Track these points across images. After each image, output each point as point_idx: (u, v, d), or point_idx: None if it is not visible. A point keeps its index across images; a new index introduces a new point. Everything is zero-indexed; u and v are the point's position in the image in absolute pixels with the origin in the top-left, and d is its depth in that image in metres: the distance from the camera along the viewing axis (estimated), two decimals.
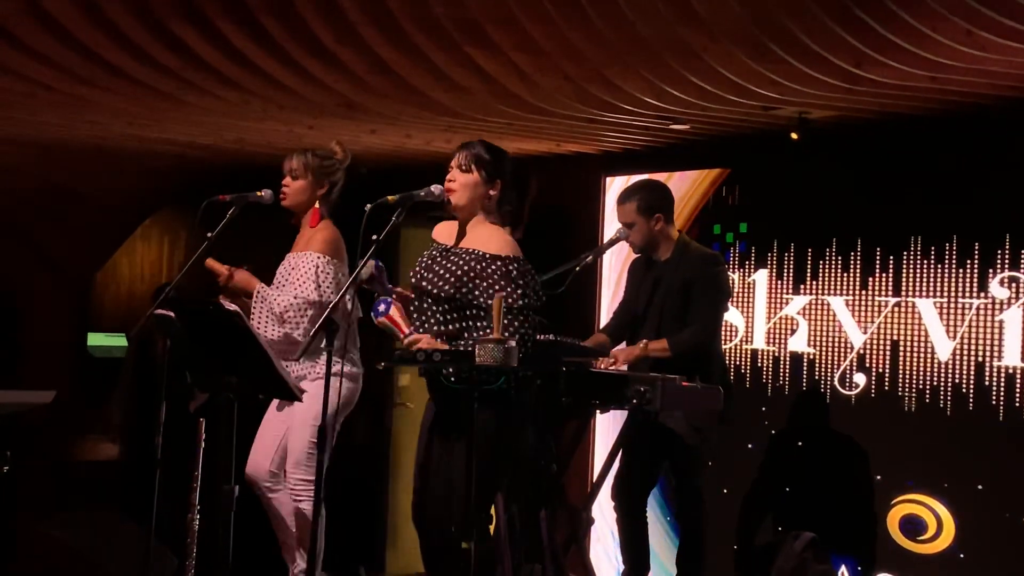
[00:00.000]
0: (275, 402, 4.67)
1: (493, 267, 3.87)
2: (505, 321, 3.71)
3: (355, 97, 5.30)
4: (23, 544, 4.90)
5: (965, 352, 5.17)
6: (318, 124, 5.96)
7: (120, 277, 9.39)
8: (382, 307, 3.89)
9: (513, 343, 3.52)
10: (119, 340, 8.95)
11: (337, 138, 5.07)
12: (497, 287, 3.82)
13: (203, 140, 6.76)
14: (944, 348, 5.23)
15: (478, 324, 3.85)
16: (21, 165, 7.62)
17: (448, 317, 3.89)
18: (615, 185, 6.63)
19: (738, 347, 6.02)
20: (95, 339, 9.13)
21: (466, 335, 3.85)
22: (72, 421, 7.82)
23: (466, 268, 3.89)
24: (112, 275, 9.33)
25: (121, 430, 7.95)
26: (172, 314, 4.03)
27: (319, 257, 4.52)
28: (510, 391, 3.77)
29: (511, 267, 3.87)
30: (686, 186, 6.19)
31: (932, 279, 5.28)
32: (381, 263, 4.08)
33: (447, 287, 3.89)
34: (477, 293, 3.86)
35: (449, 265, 3.93)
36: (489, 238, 3.94)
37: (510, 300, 3.79)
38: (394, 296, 4.01)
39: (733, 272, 5.98)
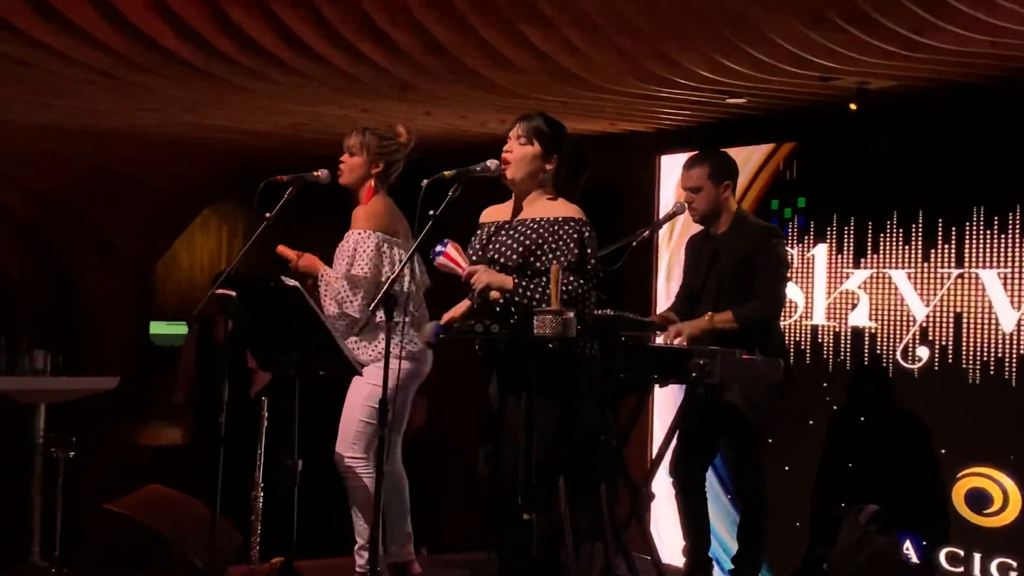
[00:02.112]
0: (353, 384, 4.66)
1: (565, 228, 3.84)
2: (569, 284, 3.70)
3: (409, 78, 5.31)
4: (91, 524, 4.97)
5: None
6: (372, 107, 5.98)
7: (180, 266, 9.50)
8: (438, 247, 3.84)
9: (571, 314, 3.51)
10: (180, 328, 9.07)
11: (383, 120, 5.06)
12: (566, 248, 3.79)
13: (259, 126, 6.81)
14: (1008, 319, 5.16)
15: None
16: (80, 155, 7.72)
17: (537, 283, 3.83)
18: (669, 163, 6.60)
19: (798, 323, 5.97)
20: (157, 327, 9.26)
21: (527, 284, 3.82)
22: (136, 406, 7.93)
23: (534, 236, 3.86)
24: (172, 264, 9.44)
25: (184, 413, 8.04)
26: (233, 294, 4.07)
27: (359, 233, 4.52)
28: (573, 362, 3.76)
29: (584, 230, 3.85)
30: (740, 160, 6.13)
31: (995, 249, 5.20)
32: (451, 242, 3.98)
33: (515, 256, 3.85)
34: (551, 256, 3.82)
35: (516, 235, 3.90)
36: (554, 206, 3.93)
37: (581, 262, 3.78)
38: (449, 241, 3.93)
39: (792, 247, 5.93)
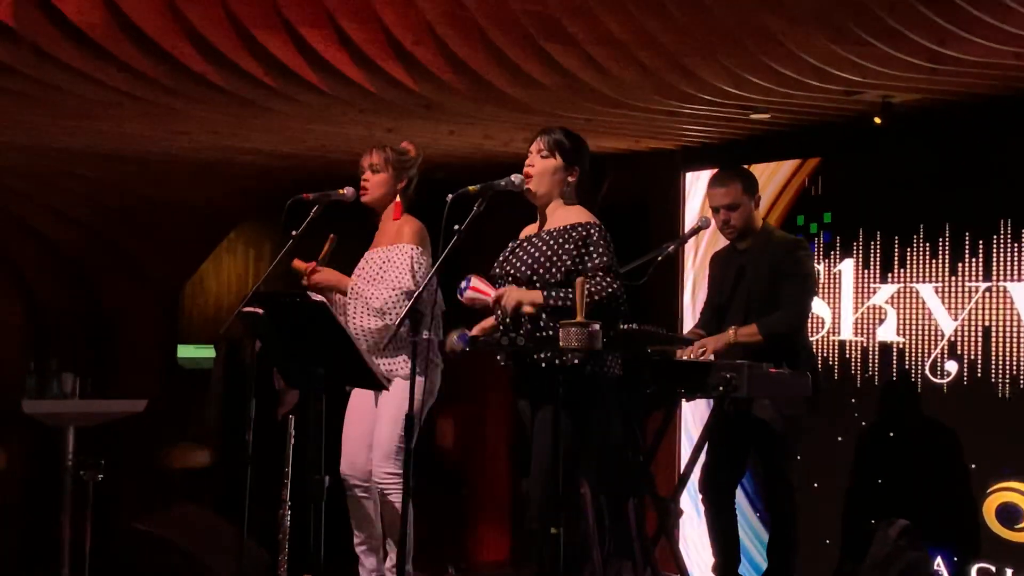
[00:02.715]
0: (358, 398, 4.69)
1: (572, 235, 3.88)
2: (598, 285, 3.71)
3: (434, 97, 5.34)
4: (121, 541, 4.99)
5: None
6: (397, 126, 6.01)
7: (207, 290, 9.54)
8: (463, 283, 3.88)
9: (597, 326, 3.51)
10: (208, 351, 9.11)
11: (406, 139, 5.10)
12: (573, 255, 3.82)
13: (285, 148, 6.86)
14: None
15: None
16: (109, 178, 7.78)
17: (565, 292, 3.85)
18: (694, 180, 6.60)
19: (825, 339, 5.95)
20: (184, 351, 9.29)
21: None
22: (164, 429, 7.96)
23: (542, 247, 3.89)
24: (199, 288, 9.48)
25: (213, 435, 8.07)
26: (260, 311, 4.09)
27: (412, 248, 4.56)
28: (597, 377, 3.77)
29: (591, 230, 3.88)
30: (765, 177, 6.14)
31: (1023, 262, 5.17)
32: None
33: (524, 267, 3.90)
34: (560, 265, 3.85)
35: (530, 248, 3.93)
36: (570, 214, 3.97)
37: (585, 263, 3.79)
38: (471, 276, 3.98)
39: (818, 263, 5.91)
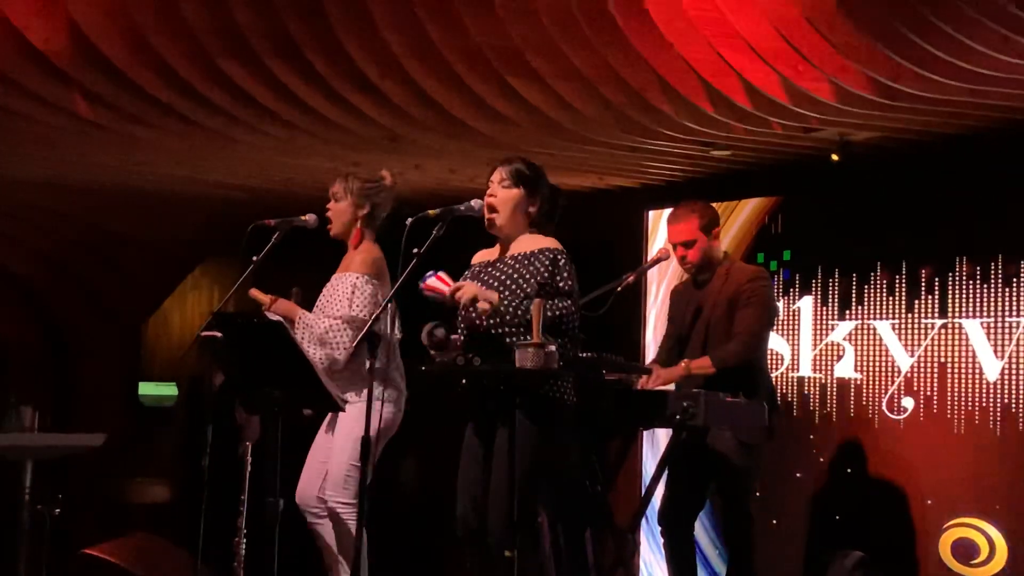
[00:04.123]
0: (323, 427, 4.68)
1: (541, 257, 3.89)
2: (554, 308, 3.72)
3: (399, 130, 5.38)
4: (72, 569, 4.94)
5: (1014, 372, 5.13)
6: (363, 160, 6.05)
7: (171, 327, 9.51)
8: (428, 273, 3.87)
9: (552, 348, 3.53)
10: (170, 389, 9.06)
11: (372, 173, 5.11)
12: (542, 273, 3.84)
13: (251, 181, 6.87)
14: (992, 368, 5.19)
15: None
16: (73, 211, 7.77)
17: (521, 301, 3.86)
18: (657, 218, 6.66)
19: (785, 375, 5.99)
20: (146, 388, 9.24)
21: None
22: (124, 464, 7.90)
23: (510, 272, 3.91)
24: (163, 325, 9.45)
25: (173, 471, 8.01)
26: (219, 335, 4.08)
27: (357, 277, 4.56)
28: (553, 401, 3.78)
29: (558, 256, 3.89)
30: (726, 215, 6.20)
31: (978, 299, 5.26)
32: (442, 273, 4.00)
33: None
34: (524, 286, 3.86)
35: (496, 272, 3.95)
36: (536, 241, 3.99)
37: (554, 283, 3.81)
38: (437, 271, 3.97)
39: (778, 300, 5.95)
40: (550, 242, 3.98)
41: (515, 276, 3.90)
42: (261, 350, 3.81)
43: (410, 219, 3.80)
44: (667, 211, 6.28)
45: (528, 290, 3.83)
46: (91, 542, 6.54)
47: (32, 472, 6.59)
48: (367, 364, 3.83)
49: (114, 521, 7.45)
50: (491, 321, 3.83)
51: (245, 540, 4.59)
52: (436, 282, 3.84)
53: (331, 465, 4.49)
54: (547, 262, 3.88)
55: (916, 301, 5.48)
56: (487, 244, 4.19)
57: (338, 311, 4.50)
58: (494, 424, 3.83)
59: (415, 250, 3.73)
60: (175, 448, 8.00)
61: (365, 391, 3.99)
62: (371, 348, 3.70)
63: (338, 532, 4.48)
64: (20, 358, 8.43)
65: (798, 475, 5.83)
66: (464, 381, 3.87)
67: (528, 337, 3.64)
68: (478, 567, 3.90)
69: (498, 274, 3.95)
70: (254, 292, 4.59)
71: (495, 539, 3.71)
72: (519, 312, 3.75)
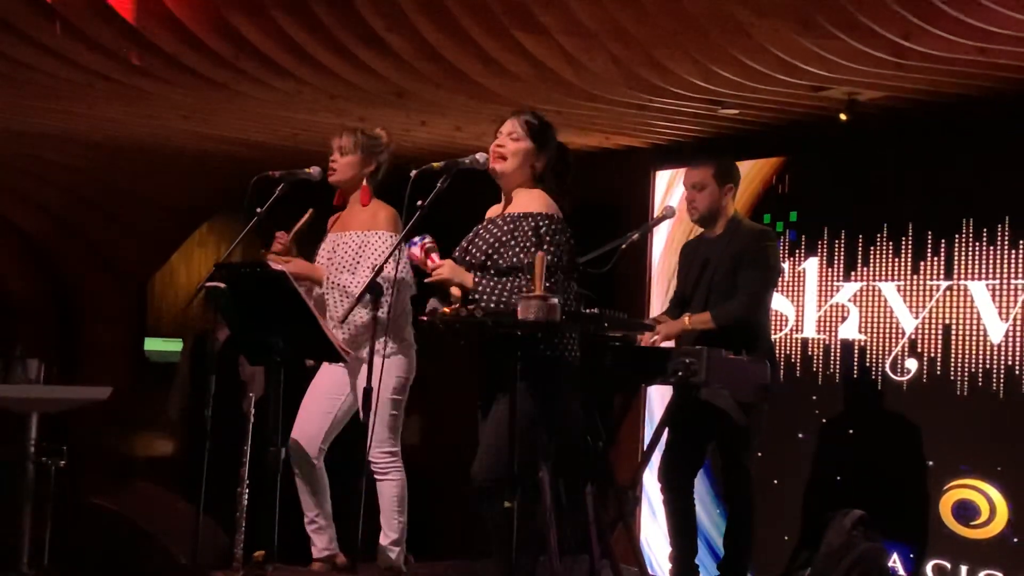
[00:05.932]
0: (325, 376, 4.64)
1: (523, 225, 3.83)
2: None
3: (405, 85, 5.36)
4: (81, 518, 4.97)
5: (1018, 334, 5.11)
6: (369, 115, 6.02)
7: (177, 283, 9.52)
8: (418, 237, 3.86)
9: (556, 300, 3.52)
10: (175, 345, 9.09)
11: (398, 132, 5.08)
12: (523, 246, 3.79)
13: (257, 136, 6.85)
14: (996, 331, 5.18)
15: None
16: (80, 165, 7.76)
17: (496, 284, 3.84)
18: (664, 178, 6.64)
19: (788, 336, 5.99)
20: (152, 344, 9.28)
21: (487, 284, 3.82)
22: (129, 418, 7.93)
23: (497, 233, 3.88)
24: (169, 281, 9.47)
25: (177, 426, 8.05)
26: (223, 285, 4.08)
27: (391, 236, 4.49)
28: (555, 357, 3.77)
29: (540, 223, 3.82)
30: None
31: (984, 261, 5.24)
32: (429, 237, 4.00)
33: (480, 254, 3.87)
34: (509, 255, 3.81)
35: (485, 234, 3.92)
36: (530, 200, 3.93)
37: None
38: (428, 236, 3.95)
39: (783, 262, 5.95)
40: (540, 204, 3.89)
41: (503, 239, 3.84)
42: (264, 299, 3.81)
43: (414, 171, 3.79)
44: (674, 172, 6.31)
45: (513, 259, 3.79)
46: (95, 494, 6.59)
47: (37, 425, 6.63)
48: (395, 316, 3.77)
49: (120, 475, 7.50)
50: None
51: (248, 490, 4.61)
52: (418, 252, 3.84)
53: (376, 423, 4.39)
54: (529, 232, 3.81)
55: (921, 263, 5.46)
56: (491, 198, 4.17)
57: (385, 273, 4.39)
58: (496, 378, 3.83)
59: (419, 202, 3.72)
60: (181, 405, 8.02)
61: (393, 343, 3.98)
62: (374, 298, 3.70)
63: (390, 484, 4.47)
64: (27, 312, 8.45)
65: (800, 435, 5.84)
66: (462, 341, 3.86)
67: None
68: (491, 520, 3.90)
69: (488, 236, 3.91)
70: (271, 257, 4.49)
71: (478, 485, 3.72)
72: (494, 297, 3.72)
